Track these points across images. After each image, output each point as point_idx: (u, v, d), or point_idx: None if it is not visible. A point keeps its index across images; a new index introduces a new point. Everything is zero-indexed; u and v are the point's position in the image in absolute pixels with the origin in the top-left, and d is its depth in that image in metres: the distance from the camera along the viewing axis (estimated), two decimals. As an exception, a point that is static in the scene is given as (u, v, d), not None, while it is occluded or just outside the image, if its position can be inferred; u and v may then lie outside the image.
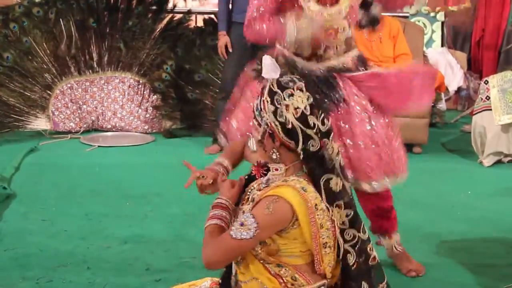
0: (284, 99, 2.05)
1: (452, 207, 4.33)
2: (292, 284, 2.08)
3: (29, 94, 6.02)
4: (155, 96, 6.28)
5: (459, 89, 7.23)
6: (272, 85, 2.08)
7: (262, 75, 2.09)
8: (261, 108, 2.10)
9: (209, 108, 6.17)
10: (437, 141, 6.11)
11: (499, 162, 5.37)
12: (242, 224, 2.02)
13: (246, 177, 2.30)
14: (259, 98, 2.12)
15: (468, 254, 3.55)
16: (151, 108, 6.29)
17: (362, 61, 3.03)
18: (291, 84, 2.08)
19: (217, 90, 5.89)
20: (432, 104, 6.02)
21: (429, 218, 4.09)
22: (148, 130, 6.27)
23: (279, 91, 2.07)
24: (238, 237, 2.01)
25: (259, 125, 2.12)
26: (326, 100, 2.83)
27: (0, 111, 5.89)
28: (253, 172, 2.27)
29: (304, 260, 2.11)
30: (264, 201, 2.04)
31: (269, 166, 2.19)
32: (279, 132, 2.07)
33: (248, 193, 2.23)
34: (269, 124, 2.08)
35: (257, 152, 2.22)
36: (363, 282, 2.15)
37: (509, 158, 5.38)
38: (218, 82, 6.03)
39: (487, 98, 5.36)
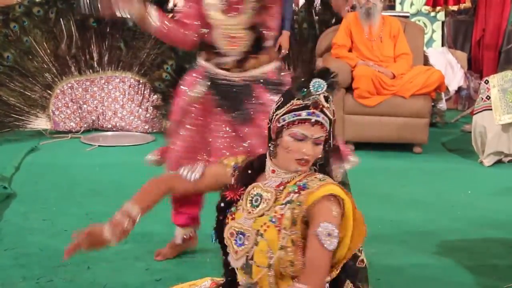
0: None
1: (452, 207, 4.33)
2: None
3: (29, 94, 6.02)
4: (156, 96, 6.28)
5: (459, 89, 7.24)
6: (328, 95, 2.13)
7: (314, 91, 2.10)
8: (330, 117, 2.13)
9: (210, 108, 6.16)
10: (438, 141, 6.11)
11: (499, 162, 5.37)
12: (329, 235, 2.01)
13: (222, 204, 2.24)
14: (324, 112, 2.11)
15: (468, 253, 3.56)
16: (151, 107, 6.29)
17: (280, 72, 3.12)
18: None
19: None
20: (433, 104, 6.03)
21: (429, 218, 4.09)
22: (148, 130, 6.27)
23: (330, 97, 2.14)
24: (331, 248, 2.02)
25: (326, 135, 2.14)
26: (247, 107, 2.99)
27: (0, 111, 5.89)
28: (227, 197, 2.22)
29: None
30: (326, 205, 2.04)
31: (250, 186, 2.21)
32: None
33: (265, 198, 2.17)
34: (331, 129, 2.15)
35: (311, 154, 2.13)
36: (348, 282, 2.17)
37: (509, 158, 5.38)
38: (218, 82, 6.03)
39: (488, 97, 5.35)
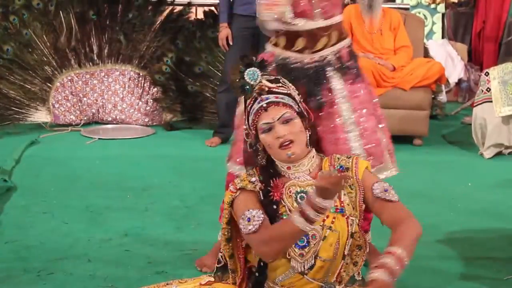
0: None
1: (453, 199, 4.33)
2: None
3: (29, 87, 6.02)
4: (156, 89, 6.27)
5: (459, 81, 7.23)
6: (268, 77, 2.19)
7: (253, 81, 2.12)
8: (286, 92, 2.15)
9: (210, 101, 6.16)
10: (438, 133, 6.10)
11: (499, 154, 5.37)
12: (386, 190, 2.15)
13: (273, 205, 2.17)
14: (272, 92, 2.13)
15: (468, 246, 3.56)
16: (151, 100, 6.29)
17: (352, 51, 2.98)
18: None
19: (218, 83, 5.89)
20: (433, 96, 6.03)
21: (430, 210, 4.09)
22: (148, 123, 6.27)
23: (278, 77, 2.24)
24: (397, 198, 2.19)
25: (294, 110, 2.14)
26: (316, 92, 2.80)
27: (0, 104, 5.89)
28: (274, 197, 2.15)
29: None
30: (367, 173, 2.17)
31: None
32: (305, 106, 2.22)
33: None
34: (299, 102, 2.20)
35: (302, 144, 2.14)
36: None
37: (509, 150, 5.37)
38: (218, 75, 6.03)
39: (488, 90, 5.35)
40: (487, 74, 5.42)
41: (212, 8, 6.34)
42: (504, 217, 4.00)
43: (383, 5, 5.90)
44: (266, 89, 2.12)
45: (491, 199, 4.35)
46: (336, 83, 2.84)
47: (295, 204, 2.13)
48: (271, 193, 2.13)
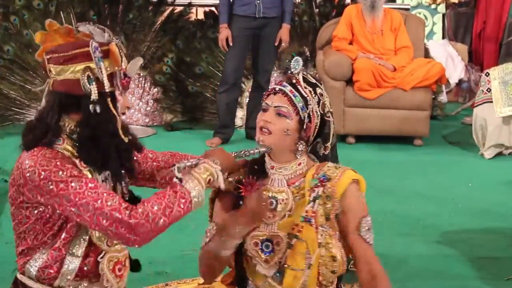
0: (324, 92, 2.15)
1: (453, 199, 4.33)
2: None
3: (29, 87, 6.01)
4: (156, 89, 6.27)
5: (460, 82, 7.23)
6: (307, 76, 2.14)
7: (293, 69, 2.13)
8: (305, 96, 2.10)
9: (210, 101, 6.16)
10: (438, 134, 6.10)
11: (500, 154, 5.36)
12: (369, 229, 2.09)
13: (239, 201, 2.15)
14: (295, 86, 2.11)
15: (469, 246, 3.56)
16: (152, 101, 6.29)
17: None
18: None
19: (218, 83, 5.89)
20: (433, 97, 6.03)
21: (430, 210, 4.09)
22: (149, 123, 6.27)
23: (319, 84, 2.15)
24: (372, 242, 2.12)
25: (297, 113, 2.08)
26: None
27: (1, 104, 5.89)
28: (243, 192, 2.10)
29: None
30: (355, 195, 2.08)
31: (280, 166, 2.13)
32: (317, 123, 2.11)
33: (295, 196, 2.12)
34: (311, 114, 2.10)
35: (278, 142, 2.09)
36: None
37: (510, 150, 5.37)
38: (219, 75, 6.03)
39: (488, 90, 5.35)
40: (487, 74, 5.42)
41: (212, 8, 6.34)
42: (505, 218, 4.01)
43: (384, 5, 5.90)
44: (293, 80, 2.11)
45: (491, 199, 4.35)
46: None
47: None
48: (242, 189, 2.10)
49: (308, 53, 2.23)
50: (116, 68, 2.01)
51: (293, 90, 2.10)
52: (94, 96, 1.90)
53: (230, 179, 2.15)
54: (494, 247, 3.56)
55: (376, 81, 5.57)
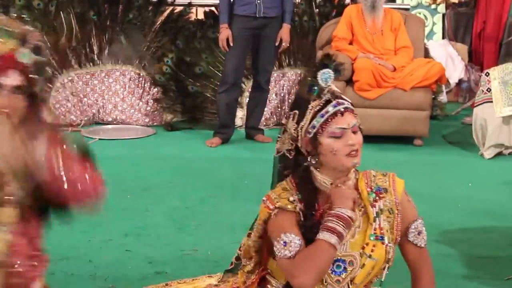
0: None
1: (453, 199, 4.33)
2: None
3: (29, 87, 6.00)
4: (156, 89, 6.27)
5: (460, 81, 7.23)
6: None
7: (323, 83, 2.05)
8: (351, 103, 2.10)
9: (210, 101, 6.16)
10: (438, 134, 6.10)
11: (500, 154, 5.36)
12: (420, 233, 2.14)
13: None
14: (344, 99, 2.07)
15: (469, 246, 3.56)
16: (151, 101, 6.29)
17: None
18: None
19: (218, 83, 5.89)
20: (433, 97, 6.02)
21: (430, 210, 4.09)
22: (149, 123, 6.27)
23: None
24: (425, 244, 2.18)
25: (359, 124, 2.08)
26: None
27: (1, 104, 5.89)
28: (317, 218, 2.05)
29: None
30: (406, 198, 2.13)
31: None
32: None
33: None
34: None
35: (357, 142, 2.04)
36: None
37: (510, 150, 5.37)
38: (219, 75, 6.03)
39: (488, 90, 5.35)
40: (487, 74, 5.42)
41: (213, 8, 6.34)
42: (505, 217, 4.01)
43: (384, 5, 5.90)
44: (339, 94, 2.05)
45: (491, 199, 4.36)
46: None
47: None
48: (313, 215, 2.04)
49: (336, 59, 2.09)
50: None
51: (348, 102, 2.07)
52: None
53: (291, 198, 2.07)
54: (494, 246, 3.57)
55: (376, 81, 5.56)
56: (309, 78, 2.05)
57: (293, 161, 2.12)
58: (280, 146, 2.15)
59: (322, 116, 2.02)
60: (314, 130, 2.03)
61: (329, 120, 2.01)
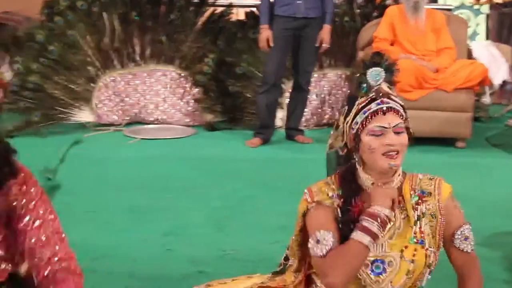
0: None
1: (496, 202, 4.27)
2: None
3: (73, 87, 6.09)
4: (197, 89, 6.31)
5: (504, 83, 7.12)
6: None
7: (373, 82, 2.06)
8: (402, 104, 2.08)
9: (250, 102, 6.17)
10: (481, 136, 6.02)
11: (544, 157, 5.28)
12: (467, 238, 2.09)
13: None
14: (391, 98, 2.05)
15: (511, 249, 3.51)
16: (192, 101, 6.33)
17: None
18: None
19: (258, 84, 5.90)
20: (476, 98, 5.95)
21: (471, 213, 3.98)
22: (189, 123, 6.30)
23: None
24: (471, 249, 2.12)
25: (406, 126, 2.07)
26: None
27: (45, 104, 5.98)
28: (356, 213, 2.02)
29: None
30: (452, 204, 2.11)
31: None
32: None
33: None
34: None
35: (403, 152, 2.03)
36: None
37: (555, 153, 5.29)
38: (259, 76, 6.04)
39: (533, 92, 5.27)
40: (532, 76, 5.34)
41: (253, 9, 6.35)
42: (549, 221, 3.94)
43: (426, 6, 5.85)
44: (386, 93, 2.04)
45: (535, 203, 4.29)
46: None
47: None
48: (350, 212, 2.02)
49: (388, 59, 2.08)
50: None
51: (395, 103, 2.04)
52: None
53: (331, 193, 2.08)
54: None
55: (418, 83, 5.52)
56: (358, 75, 2.04)
57: (343, 157, 2.13)
58: (332, 142, 2.16)
59: (365, 112, 2.02)
60: (357, 126, 2.03)
61: (370, 117, 2.00)
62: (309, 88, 5.88)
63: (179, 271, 3.17)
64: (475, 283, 2.11)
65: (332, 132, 2.19)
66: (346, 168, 2.11)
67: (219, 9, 6.47)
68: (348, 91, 2.15)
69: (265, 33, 5.45)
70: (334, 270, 1.94)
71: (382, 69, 2.05)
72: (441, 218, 2.06)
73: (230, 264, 3.24)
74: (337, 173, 2.12)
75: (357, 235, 1.95)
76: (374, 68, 2.04)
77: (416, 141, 5.80)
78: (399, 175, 2.07)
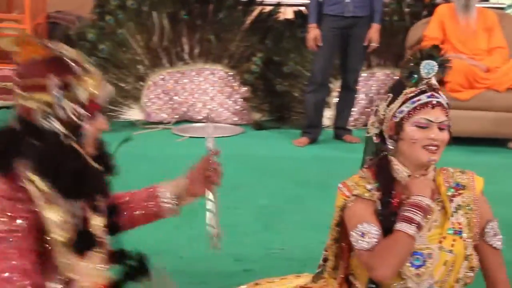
0: None
1: (548, 205, 4.19)
2: None
3: (123, 85, 6.17)
4: (245, 88, 6.33)
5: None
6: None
7: (425, 75, 2.05)
8: (448, 102, 2.07)
9: (298, 101, 6.17)
10: (534, 137, 5.91)
11: None
12: (495, 234, 2.09)
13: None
14: (439, 94, 2.05)
15: None
16: (240, 100, 6.35)
17: None
18: None
19: (306, 83, 5.89)
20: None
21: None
22: (237, 122, 6.33)
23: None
24: (501, 246, 2.12)
25: (449, 123, 2.06)
26: None
27: (95, 102, 6.07)
28: (396, 205, 2.03)
29: None
30: (484, 200, 2.11)
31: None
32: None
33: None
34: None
35: (443, 148, 2.05)
36: None
37: None
38: (307, 75, 6.03)
39: None
40: None
41: (302, 8, 6.34)
42: None
43: (477, 4, 5.76)
44: (437, 88, 2.04)
45: None
46: None
47: None
48: (390, 203, 2.03)
49: (444, 54, 2.07)
50: (84, 96, 1.86)
51: (444, 98, 2.04)
52: (55, 130, 1.79)
53: (369, 186, 2.08)
54: None
55: (468, 82, 5.44)
56: (411, 64, 2.04)
57: (376, 145, 2.13)
58: (370, 128, 2.16)
59: (413, 103, 2.01)
60: (401, 115, 2.02)
61: (418, 109, 2.01)
62: (357, 87, 5.85)
63: (226, 268, 3.19)
64: (503, 282, 2.11)
65: (372, 117, 2.19)
66: (379, 161, 2.11)
67: (267, 8, 6.48)
68: (395, 80, 2.12)
69: (313, 32, 5.44)
70: (382, 262, 1.93)
71: (436, 63, 2.03)
72: (476, 210, 2.06)
73: (277, 262, 3.24)
74: (371, 166, 2.13)
75: (401, 225, 1.94)
76: (428, 61, 2.03)
77: (467, 141, 5.73)
78: (433, 169, 2.09)
